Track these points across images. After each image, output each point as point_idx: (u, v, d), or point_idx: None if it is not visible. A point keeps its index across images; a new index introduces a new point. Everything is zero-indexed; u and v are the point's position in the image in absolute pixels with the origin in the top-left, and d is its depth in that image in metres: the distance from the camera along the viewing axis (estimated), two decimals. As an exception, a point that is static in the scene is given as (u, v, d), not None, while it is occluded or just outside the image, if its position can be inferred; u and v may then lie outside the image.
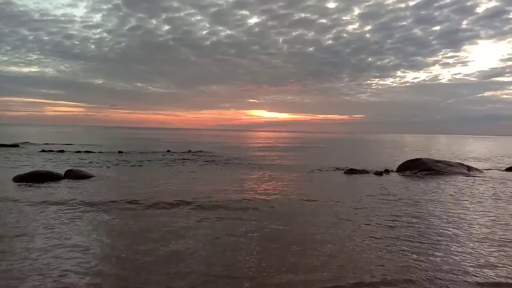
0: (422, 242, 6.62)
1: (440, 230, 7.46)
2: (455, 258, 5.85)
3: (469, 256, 5.96)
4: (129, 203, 9.63)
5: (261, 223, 7.84)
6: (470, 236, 7.07)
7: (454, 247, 6.39)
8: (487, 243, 6.63)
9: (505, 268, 5.44)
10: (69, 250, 5.89)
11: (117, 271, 5.17)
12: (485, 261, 5.75)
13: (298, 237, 6.88)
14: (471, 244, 6.55)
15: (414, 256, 5.89)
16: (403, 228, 7.58)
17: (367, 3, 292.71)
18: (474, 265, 5.57)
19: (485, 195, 11.95)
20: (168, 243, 6.37)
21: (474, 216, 8.82)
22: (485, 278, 5.09)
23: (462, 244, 6.57)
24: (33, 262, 5.35)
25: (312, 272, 5.25)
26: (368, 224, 7.85)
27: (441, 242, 6.65)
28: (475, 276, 5.15)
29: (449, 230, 7.47)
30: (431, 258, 5.83)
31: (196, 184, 13.20)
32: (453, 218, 8.60)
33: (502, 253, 6.12)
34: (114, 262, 5.48)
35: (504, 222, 8.24)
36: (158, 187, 12.29)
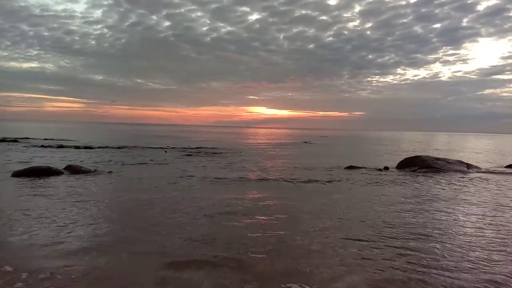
0: (417, 240, 6.65)
1: (435, 228, 7.47)
2: (450, 254, 5.88)
3: (462, 251, 5.98)
4: (127, 198, 9.65)
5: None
6: (467, 232, 7.10)
7: (448, 243, 6.41)
8: (483, 239, 6.66)
9: (498, 263, 5.48)
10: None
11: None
12: (478, 256, 5.79)
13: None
14: (465, 239, 6.58)
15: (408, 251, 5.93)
16: (400, 227, 7.60)
17: (368, 0, 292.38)
18: (467, 260, 5.60)
19: (484, 192, 11.96)
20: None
21: (472, 214, 8.82)
22: (480, 274, 5.13)
23: (457, 239, 6.60)
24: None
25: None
26: (364, 221, 7.88)
27: (435, 239, 6.65)
28: (470, 271, 5.19)
29: (443, 228, 7.49)
30: (426, 253, 5.86)
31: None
32: (449, 215, 8.61)
33: (495, 248, 6.15)
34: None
35: (500, 219, 8.26)
36: (154, 184, 12.34)
